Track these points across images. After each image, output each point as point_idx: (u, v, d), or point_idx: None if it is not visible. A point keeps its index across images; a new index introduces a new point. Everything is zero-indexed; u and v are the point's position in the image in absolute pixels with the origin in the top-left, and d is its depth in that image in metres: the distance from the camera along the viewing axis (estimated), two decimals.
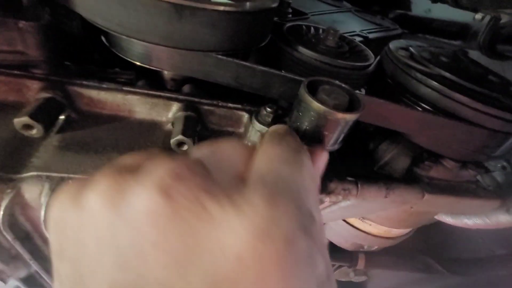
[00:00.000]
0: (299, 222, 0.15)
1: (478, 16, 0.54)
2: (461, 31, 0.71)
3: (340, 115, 0.25)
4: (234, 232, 0.14)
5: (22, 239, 0.25)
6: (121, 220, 0.15)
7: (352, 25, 0.66)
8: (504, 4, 0.47)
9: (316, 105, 0.25)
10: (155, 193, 0.15)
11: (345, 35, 0.46)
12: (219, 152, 0.19)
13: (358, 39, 0.59)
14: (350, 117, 0.26)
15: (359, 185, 0.35)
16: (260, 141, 0.22)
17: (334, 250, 0.59)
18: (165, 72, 0.39)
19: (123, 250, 0.15)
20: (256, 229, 0.14)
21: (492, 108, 0.32)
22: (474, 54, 0.50)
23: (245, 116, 0.35)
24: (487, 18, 0.54)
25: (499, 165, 0.54)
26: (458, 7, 0.56)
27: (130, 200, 0.16)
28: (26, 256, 0.27)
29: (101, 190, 0.16)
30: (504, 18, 0.53)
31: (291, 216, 0.15)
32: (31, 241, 0.27)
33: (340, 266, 0.66)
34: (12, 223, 0.24)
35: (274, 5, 0.32)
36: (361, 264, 0.58)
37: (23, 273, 0.31)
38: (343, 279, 0.75)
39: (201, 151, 0.19)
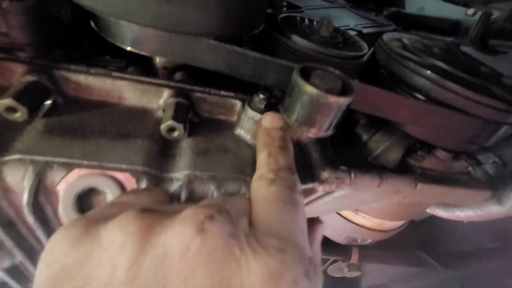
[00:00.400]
0: (303, 267, 0.18)
1: (470, 11, 0.54)
2: (453, 27, 0.72)
3: (333, 99, 0.25)
4: (253, 272, 0.17)
5: (4, 225, 0.24)
6: (146, 254, 0.17)
7: (347, 20, 0.66)
8: None
9: (309, 88, 0.25)
10: (192, 230, 0.17)
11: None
12: (232, 201, 0.22)
13: (352, 33, 0.59)
14: (343, 100, 0.25)
15: (352, 174, 0.34)
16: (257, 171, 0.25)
17: (328, 244, 0.59)
18: (157, 60, 0.39)
19: (142, 282, 0.16)
20: (270, 271, 0.17)
21: (484, 96, 0.32)
22: (467, 51, 0.51)
23: (238, 104, 0.34)
24: (479, 13, 0.55)
25: (490, 160, 0.55)
26: (450, 2, 0.56)
27: (161, 236, 0.17)
28: (8, 244, 0.26)
29: (127, 225, 0.18)
30: (495, 13, 0.53)
31: (298, 262, 0.18)
32: (15, 228, 0.26)
33: (334, 261, 0.66)
34: None
35: None
36: (354, 258, 0.58)
37: (7, 263, 0.30)
38: (337, 275, 0.75)
39: (216, 201, 0.22)
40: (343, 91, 0.27)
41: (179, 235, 0.17)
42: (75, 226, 0.19)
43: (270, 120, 0.29)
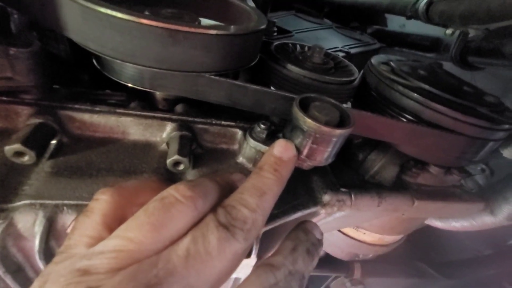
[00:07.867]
0: None
1: (449, 31, 0.58)
2: (434, 44, 0.76)
3: (332, 131, 0.26)
4: None
5: (13, 272, 0.24)
6: None
7: (334, 42, 0.69)
8: (471, 21, 0.51)
9: (308, 121, 0.26)
10: None
11: (329, 51, 0.49)
12: None
13: (341, 54, 0.62)
14: (342, 132, 0.27)
15: (352, 196, 0.36)
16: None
17: (331, 261, 0.59)
18: (157, 93, 0.40)
19: None
20: None
21: (469, 116, 0.35)
22: (447, 65, 0.54)
23: (239, 133, 0.35)
24: (457, 33, 0.58)
25: (478, 168, 0.57)
26: (430, 23, 0.60)
27: None
28: None
29: None
30: (472, 33, 0.57)
31: None
32: (23, 273, 0.25)
33: (336, 277, 0.66)
34: (4, 255, 0.23)
35: (263, 26, 0.34)
36: (357, 273, 0.58)
37: None
38: None
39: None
40: (341, 121, 0.28)
41: None
42: None
43: (282, 150, 0.26)
